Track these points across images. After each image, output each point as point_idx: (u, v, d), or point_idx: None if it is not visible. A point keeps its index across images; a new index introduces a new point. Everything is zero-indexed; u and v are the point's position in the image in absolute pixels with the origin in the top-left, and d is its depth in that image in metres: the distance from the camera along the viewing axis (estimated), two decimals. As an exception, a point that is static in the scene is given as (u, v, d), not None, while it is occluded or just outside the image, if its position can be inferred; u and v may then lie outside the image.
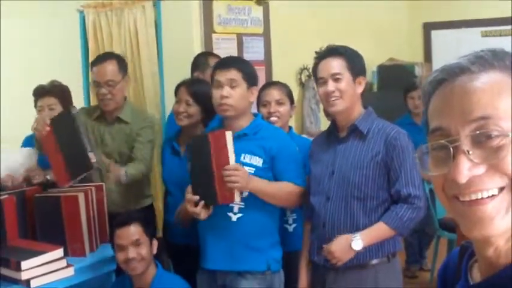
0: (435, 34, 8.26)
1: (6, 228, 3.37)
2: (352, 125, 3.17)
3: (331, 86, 3.14)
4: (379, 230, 3.09)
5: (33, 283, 3.10)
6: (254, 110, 3.79)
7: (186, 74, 4.63)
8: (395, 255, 3.21)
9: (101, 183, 3.86)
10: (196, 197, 3.29)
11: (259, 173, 3.32)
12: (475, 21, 7.86)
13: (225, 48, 5.44)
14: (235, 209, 3.34)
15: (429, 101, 1.16)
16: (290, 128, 4.03)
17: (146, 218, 3.58)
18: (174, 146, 4.10)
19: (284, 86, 4.05)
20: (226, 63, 3.46)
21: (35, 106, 4.74)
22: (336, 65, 3.15)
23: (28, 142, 4.86)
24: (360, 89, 3.19)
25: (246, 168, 3.28)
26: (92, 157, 3.64)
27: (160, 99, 5.35)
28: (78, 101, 5.03)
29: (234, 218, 3.34)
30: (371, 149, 3.11)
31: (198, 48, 5.26)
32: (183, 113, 3.99)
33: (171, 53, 5.34)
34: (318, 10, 6.54)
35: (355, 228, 3.11)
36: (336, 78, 3.14)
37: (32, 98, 4.68)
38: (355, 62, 3.18)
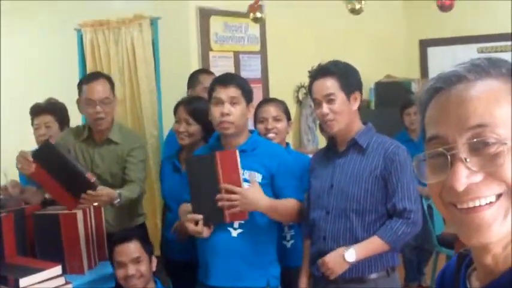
0: (431, 51, 8.30)
1: (5, 245, 3.36)
2: (351, 139, 3.18)
3: (325, 108, 3.14)
4: (374, 244, 3.09)
5: (31, 300, 3.10)
6: (250, 126, 3.79)
7: (183, 91, 4.65)
8: (395, 270, 3.22)
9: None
10: (200, 216, 3.28)
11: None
12: (471, 37, 7.90)
13: (222, 65, 5.46)
14: (236, 224, 3.33)
15: (426, 110, 1.17)
16: (287, 144, 4.04)
17: (144, 236, 3.58)
18: (175, 163, 4.09)
19: (281, 102, 4.07)
20: (226, 80, 3.43)
21: (32, 124, 4.75)
22: (328, 85, 3.13)
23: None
24: (356, 105, 3.18)
25: (245, 184, 3.27)
26: (91, 177, 3.64)
27: (158, 116, 5.35)
28: (76, 119, 5.04)
29: (235, 233, 3.33)
30: (370, 163, 3.12)
31: (195, 66, 5.28)
32: (184, 132, 3.98)
33: (169, 71, 5.36)
34: (315, 28, 6.58)
35: (354, 242, 3.11)
36: (329, 100, 3.13)
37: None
38: (348, 79, 3.15)
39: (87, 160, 4.13)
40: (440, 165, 1.10)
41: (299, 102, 6.60)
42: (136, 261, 3.35)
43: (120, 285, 3.43)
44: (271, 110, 3.94)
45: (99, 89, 4.04)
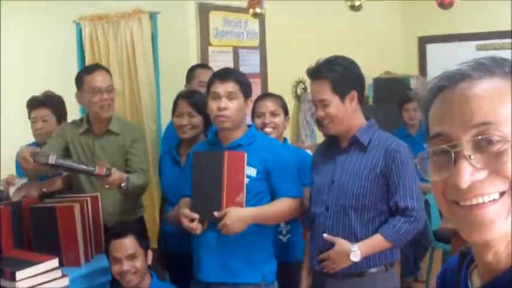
0: (430, 48, 8.31)
1: (1, 238, 3.37)
2: (352, 136, 3.17)
3: (320, 111, 3.15)
4: (376, 242, 3.09)
5: (28, 293, 3.11)
6: (249, 121, 3.80)
7: (182, 85, 4.66)
8: (393, 265, 3.22)
9: (96, 194, 3.85)
10: (196, 216, 3.29)
11: (254, 183, 3.31)
12: (470, 34, 7.91)
13: (221, 60, 5.46)
14: None
15: (429, 108, 1.17)
16: (285, 139, 4.04)
17: (141, 230, 3.58)
18: (174, 156, 4.10)
19: (278, 97, 4.08)
20: (224, 75, 3.43)
21: (29, 117, 4.74)
22: (321, 90, 3.12)
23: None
24: (353, 104, 3.15)
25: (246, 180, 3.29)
26: (101, 171, 3.66)
27: (157, 110, 5.36)
28: (74, 113, 5.04)
29: None
30: (370, 161, 3.11)
31: (194, 61, 5.28)
32: (187, 125, 4.00)
33: (168, 66, 5.36)
34: (314, 24, 6.58)
35: (353, 238, 3.12)
36: (323, 105, 3.13)
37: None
38: (343, 80, 3.11)
39: (88, 153, 4.13)
40: (443, 163, 1.10)
41: (297, 97, 6.61)
42: (132, 257, 3.36)
43: (116, 279, 3.45)
44: (269, 105, 3.95)
45: (103, 77, 4.08)
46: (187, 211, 3.34)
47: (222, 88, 3.33)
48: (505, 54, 1.19)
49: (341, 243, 3.10)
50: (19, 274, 3.08)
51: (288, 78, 6.44)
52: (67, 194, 3.93)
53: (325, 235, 3.15)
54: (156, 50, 5.40)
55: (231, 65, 5.55)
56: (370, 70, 7.07)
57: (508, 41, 7.32)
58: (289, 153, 3.57)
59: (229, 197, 3.24)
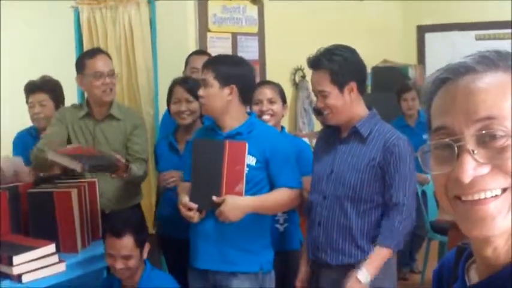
0: (429, 37, 8.29)
1: (-1, 223, 3.37)
2: (353, 127, 3.16)
3: (320, 102, 3.16)
4: (380, 255, 3.07)
5: (24, 278, 3.10)
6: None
7: (180, 71, 4.65)
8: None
9: (93, 180, 3.84)
10: (194, 206, 3.30)
11: (253, 172, 3.30)
12: (469, 24, 7.88)
13: (219, 47, 5.45)
14: None
15: (432, 100, 1.16)
16: (282, 127, 4.03)
17: (139, 225, 3.53)
18: (172, 142, 4.11)
19: (276, 85, 4.07)
20: (204, 63, 3.48)
21: (26, 102, 4.72)
22: (320, 80, 3.12)
23: (22, 138, 4.87)
24: (353, 95, 3.13)
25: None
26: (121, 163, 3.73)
27: (155, 96, 5.34)
28: (72, 98, 5.03)
29: None
30: (369, 153, 3.11)
31: (192, 47, 5.26)
32: (186, 111, 4.01)
33: (166, 51, 5.34)
34: (313, 11, 6.55)
35: (348, 229, 3.12)
36: (322, 95, 3.13)
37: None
38: (342, 71, 3.09)
39: (88, 137, 4.11)
40: (446, 157, 1.09)
41: (295, 85, 6.59)
42: (126, 257, 3.35)
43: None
44: (267, 92, 3.93)
45: (105, 61, 4.09)
46: (185, 199, 3.34)
47: (201, 76, 3.42)
48: (504, 44, 1.18)
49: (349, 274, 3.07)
50: (16, 259, 3.08)
51: (287, 65, 6.42)
52: (64, 179, 3.91)
53: None
54: (154, 35, 5.39)
55: (229, 51, 5.55)
56: (369, 59, 7.02)
57: (508, 31, 7.32)
58: (287, 142, 3.56)
59: (229, 186, 3.24)
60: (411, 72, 7.36)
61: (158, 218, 4.37)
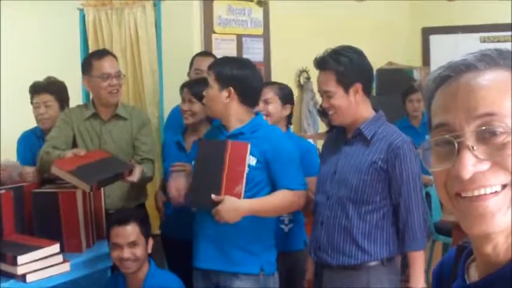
0: (434, 39, 8.28)
1: (3, 222, 3.37)
2: (357, 129, 3.16)
3: (325, 102, 3.16)
4: (418, 261, 3.15)
5: (29, 278, 3.11)
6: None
7: (185, 73, 4.66)
8: (392, 260, 3.19)
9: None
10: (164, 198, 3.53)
11: (253, 172, 3.29)
12: (474, 26, 7.87)
13: (224, 48, 5.45)
14: None
15: (432, 97, 1.17)
16: (288, 128, 4.03)
17: (143, 217, 3.58)
18: (180, 142, 4.14)
19: (274, 85, 4.07)
20: (209, 65, 3.54)
21: (31, 103, 4.73)
22: (326, 80, 3.13)
23: (26, 138, 4.88)
24: (358, 97, 3.13)
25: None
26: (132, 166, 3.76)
27: (160, 97, 5.36)
28: (77, 99, 5.04)
29: None
30: (372, 154, 3.11)
31: (197, 49, 5.26)
32: (188, 111, 4.06)
33: (171, 53, 5.35)
34: (318, 13, 6.55)
35: (349, 230, 3.12)
36: (327, 96, 3.14)
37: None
38: (347, 72, 3.10)
39: (95, 138, 4.13)
40: (446, 153, 1.10)
41: (300, 87, 6.58)
42: (133, 244, 3.36)
43: (117, 265, 3.46)
44: (262, 93, 3.92)
45: (112, 63, 4.12)
46: (174, 191, 3.53)
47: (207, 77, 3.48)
48: (508, 47, 1.19)
49: None
50: (20, 259, 3.09)
51: (291, 67, 6.41)
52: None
53: None
54: (159, 37, 5.40)
55: (234, 53, 5.54)
56: (374, 61, 7.01)
57: (512, 33, 7.31)
58: (291, 143, 3.53)
59: (228, 186, 3.23)
60: (416, 74, 7.35)
61: (163, 219, 4.38)
